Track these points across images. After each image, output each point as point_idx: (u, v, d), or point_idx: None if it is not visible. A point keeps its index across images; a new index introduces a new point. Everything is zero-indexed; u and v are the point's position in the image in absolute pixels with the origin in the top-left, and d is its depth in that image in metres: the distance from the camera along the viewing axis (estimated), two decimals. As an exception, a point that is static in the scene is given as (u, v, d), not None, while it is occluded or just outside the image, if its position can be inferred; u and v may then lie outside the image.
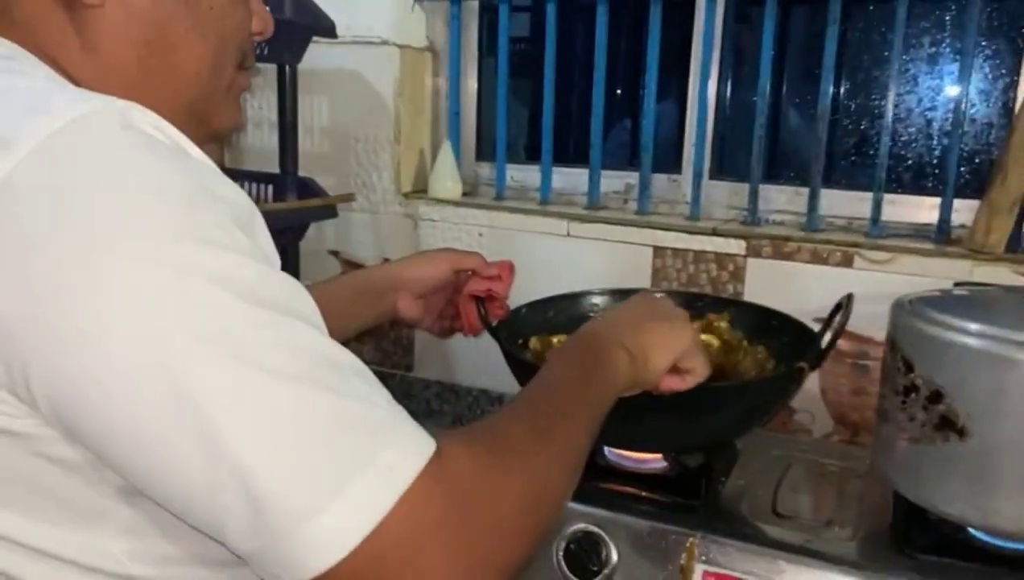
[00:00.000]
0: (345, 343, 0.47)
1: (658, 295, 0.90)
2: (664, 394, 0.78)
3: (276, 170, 1.36)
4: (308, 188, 1.37)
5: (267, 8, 0.61)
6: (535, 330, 1.08)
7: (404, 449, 0.44)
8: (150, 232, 0.41)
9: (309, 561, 0.41)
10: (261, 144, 1.55)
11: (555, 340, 1.06)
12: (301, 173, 1.37)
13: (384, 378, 0.47)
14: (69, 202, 0.40)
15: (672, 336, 0.76)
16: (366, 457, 0.42)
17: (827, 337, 0.93)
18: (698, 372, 0.78)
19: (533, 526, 0.50)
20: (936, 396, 0.81)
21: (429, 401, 1.51)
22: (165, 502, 0.44)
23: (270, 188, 1.39)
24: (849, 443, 1.20)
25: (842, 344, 1.11)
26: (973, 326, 0.79)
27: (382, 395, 0.46)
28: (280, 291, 0.45)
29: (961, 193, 1.20)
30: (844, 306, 0.93)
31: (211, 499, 0.42)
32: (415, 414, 0.48)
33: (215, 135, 0.59)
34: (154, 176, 0.43)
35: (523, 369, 0.94)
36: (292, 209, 1.32)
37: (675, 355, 0.75)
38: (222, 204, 0.45)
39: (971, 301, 0.90)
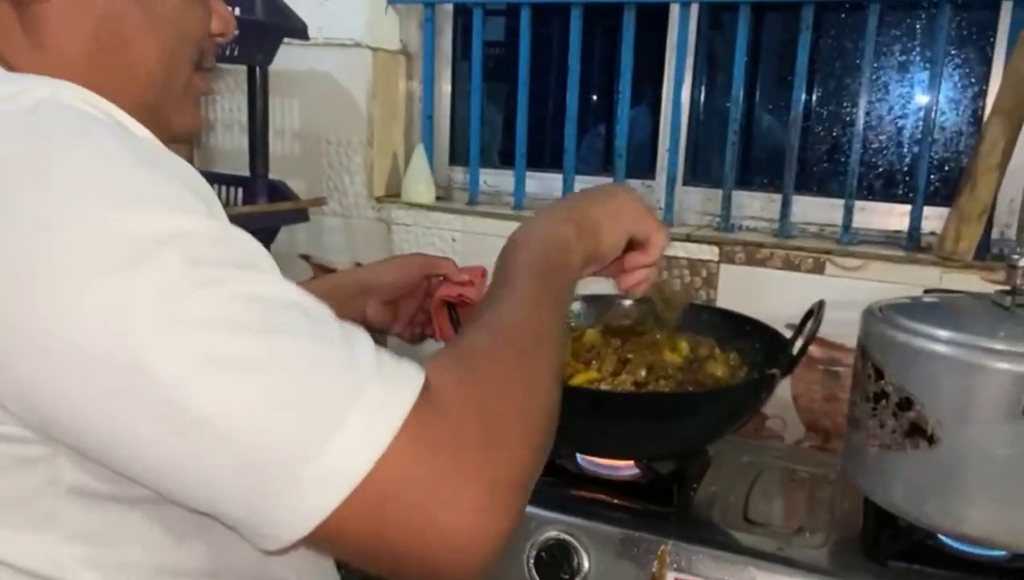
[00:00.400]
0: None
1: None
2: (632, 284, 0.75)
3: (246, 173, 1.34)
4: (279, 191, 1.35)
5: (229, 9, 0.60)
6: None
7: (393, 381, 0.43)
8: (96, 202, 0.40)
9: (310, 507, 0.40)
10: (231, 146, 1.53)
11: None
12: (272, 176, 1.35)
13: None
14: (6, 180, 0.39)
15: (618, 207, 0.72)
16: (353, 394, 0.41)
17: (799, 343, 0.93)
18: (656, 240, 0.74)
19: (533, 429, 0.49)
20: (906, 403, 0.81)
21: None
22: (155, 485, 0.42)
23: (240, 191, 1.37)
24: (820, 449, 1.21)
25: (813, 351, 1.11)
26: (943, 333, 0.79)
27: (360, 336, 0.45)
28: (235, 245, 0.43)
29: (931, 201, 1.21)
30: (816, 313, 0.93)
31: (200, 472, 0.40)
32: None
33: (174, 137, 0.57)
34: (93, 146, 0.41)
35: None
36: (262, 212, 1.30)
37: (627, 226, 0.72)
38: (166, 168, 0.43)
39: (941, 308, 0.91)
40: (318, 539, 0.41)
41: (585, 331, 1.07)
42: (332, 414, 0.40)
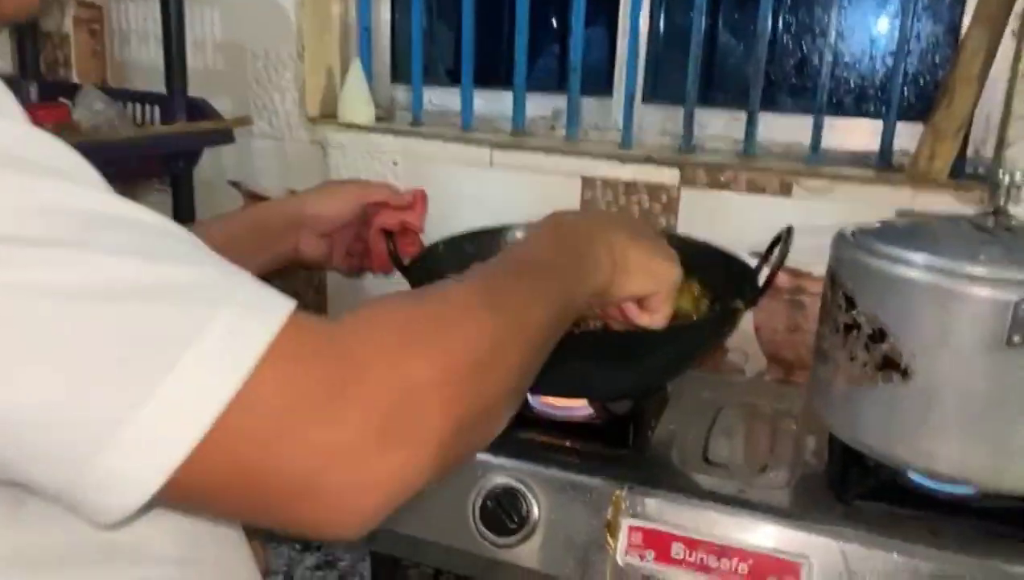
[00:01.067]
0: None
1: None
2: (608, 326, 0.73)
3: (163, 90, 1.22)
4: (199, 110, 1.23)
5: None
6: (452, 268, 0.98)
7: (250, 306, 0.35)
8: None
9: (149, 466, 0.33)
10: (146, 60, 1.39)
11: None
12: (192, 93, 1.23)
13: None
14: None
15: (662, 269, 0.68)
16: (195, 327, 0.33)
17: (765, 273, 0.87)
18: (660, 319, 0.71)
19: (463, 390, 0.41)
20: (879, 334, 0.75)
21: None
22: None
23: (156, 109, 1.25)
24: (782, 382, 1.16)
25: (778, 279, 1.05)
26: (920, 258, 0.73)
27: (211, 257, 0.37)
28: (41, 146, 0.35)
29: (904, 116, 1.13)
30: (783, 240, 0.86)
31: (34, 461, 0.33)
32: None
33: (4, 18, 0.47)
34: None
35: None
36: (181, 132, 1.19)
37: (653, 287, 0.68)
38: None
39: (918, 231, 0.84)
40: (169, 498, 0.34)
41: None
42: (163, 355, 0.32)
